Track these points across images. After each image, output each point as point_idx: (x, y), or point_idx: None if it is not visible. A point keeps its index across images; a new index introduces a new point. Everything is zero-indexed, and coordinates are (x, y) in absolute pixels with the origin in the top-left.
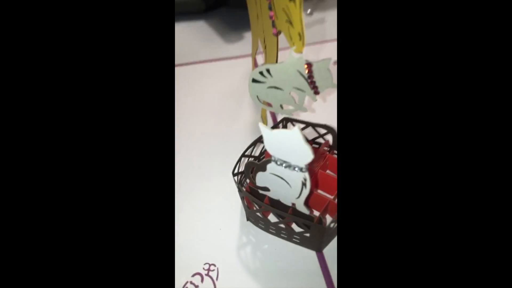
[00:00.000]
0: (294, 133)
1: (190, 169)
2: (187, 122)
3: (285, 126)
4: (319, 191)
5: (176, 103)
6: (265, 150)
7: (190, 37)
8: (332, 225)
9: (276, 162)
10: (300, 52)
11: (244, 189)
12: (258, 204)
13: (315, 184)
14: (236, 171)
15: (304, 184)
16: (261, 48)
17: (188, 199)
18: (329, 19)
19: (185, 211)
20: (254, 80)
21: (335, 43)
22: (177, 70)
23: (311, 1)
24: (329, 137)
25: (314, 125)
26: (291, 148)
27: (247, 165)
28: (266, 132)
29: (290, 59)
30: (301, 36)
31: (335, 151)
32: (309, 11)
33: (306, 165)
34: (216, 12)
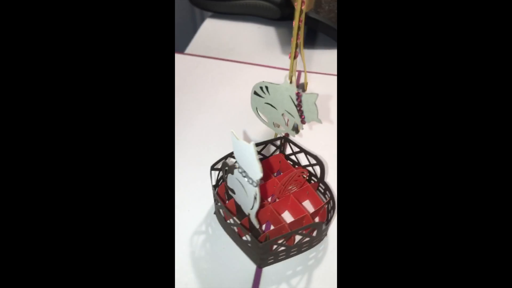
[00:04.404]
0: (249, 147)
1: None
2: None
3: (282, 145)
4: (283, 214)
5: (210, 90)
6: None
7: (254, 39)
8: (278, 248)
9: (238, 169)
10: (289, 79)
11: (217, 189)
12: (223, 202)
13: (282, 206)
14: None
15: (255, 198)
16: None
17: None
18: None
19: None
20: (255, 93)
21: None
22: (222, 63)
23: None
24: (317, 169)
25: (306, 153)
26: (247, 160)
27: (223, 164)
28: (234, 139)
29: (284, 83)
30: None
31: (320, 184)
32: None
33: (257, 181)
34: (287, 23)
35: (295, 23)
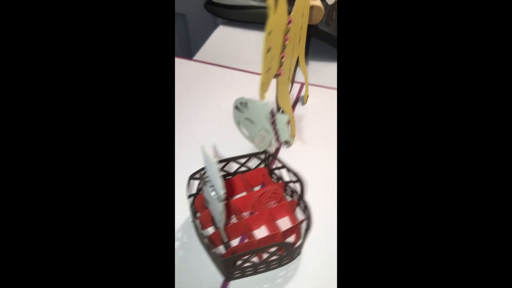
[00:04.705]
0: (212, 163)
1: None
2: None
3: (267, 159)
4: (259, 229)
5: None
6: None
7: (252, 45)
8: (242, 263)
9: (209, 183)
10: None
11: (194, 198)
12: (196, 214)
13: (258, 221)
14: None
15: (221, 213)
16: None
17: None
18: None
19: None
20: (236, 108)
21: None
22: (228, 71)
23: None
24: (298, 186)
25: (289, 169)
26: (214, 175)
27: (201, 175)
28: (203, 153)
29: (260, 102)
30: (262, 88)
31: (300, 201)
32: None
33: (221, 195)
34: None
35: (265, 44)
